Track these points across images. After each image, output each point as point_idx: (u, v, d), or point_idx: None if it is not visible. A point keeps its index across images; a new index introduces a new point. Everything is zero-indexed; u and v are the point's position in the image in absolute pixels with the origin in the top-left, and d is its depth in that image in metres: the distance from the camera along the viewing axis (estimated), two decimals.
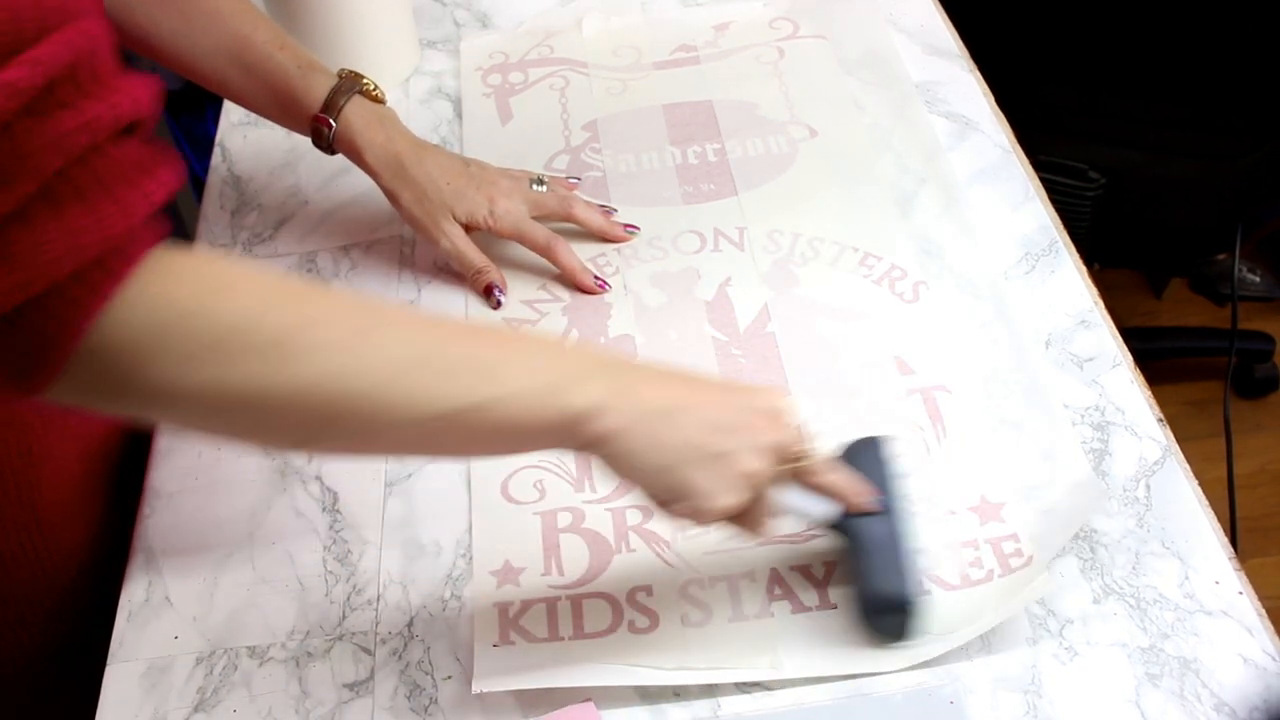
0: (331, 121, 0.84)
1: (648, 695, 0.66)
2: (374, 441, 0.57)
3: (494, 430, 0.56)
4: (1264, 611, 0.68)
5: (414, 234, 0.93)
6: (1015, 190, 0.93)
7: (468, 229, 0.87)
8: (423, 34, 1.12)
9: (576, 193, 0.92)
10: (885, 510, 0.67)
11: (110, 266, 0.48)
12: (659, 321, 0.86)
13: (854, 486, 0.65)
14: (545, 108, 1.04)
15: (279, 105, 0.85)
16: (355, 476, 0.78)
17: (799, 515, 0.66)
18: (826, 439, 0.68)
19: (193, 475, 0.79)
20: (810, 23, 1.10)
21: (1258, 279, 1.97)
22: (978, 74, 1.04)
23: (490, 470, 0.78)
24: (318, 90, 0.84)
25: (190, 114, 1.72)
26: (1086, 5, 1.55)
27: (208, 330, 0.51)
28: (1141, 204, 1.55)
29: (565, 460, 0.78)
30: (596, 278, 0.87)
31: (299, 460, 0.79)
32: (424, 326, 0.58)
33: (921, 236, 0.89)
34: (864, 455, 0.69)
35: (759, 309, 0.86)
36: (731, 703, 0.66)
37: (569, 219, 0.90)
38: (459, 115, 1.04)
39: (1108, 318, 0.84)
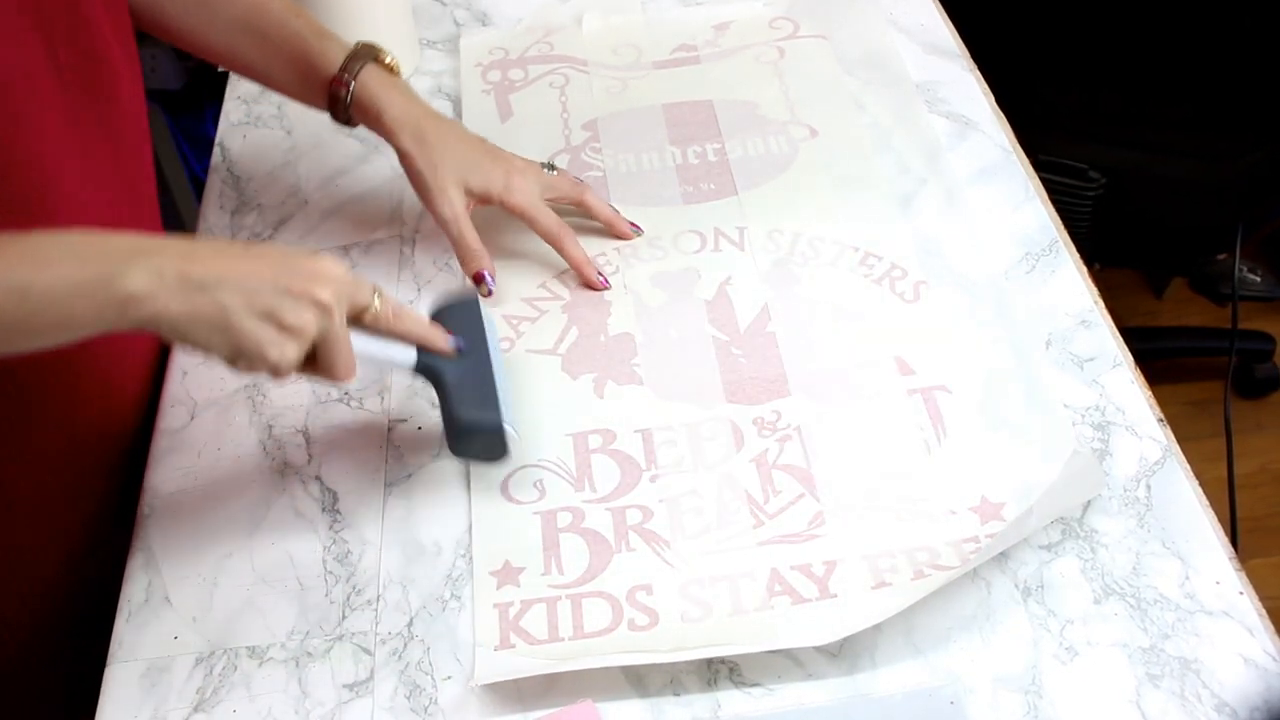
0: (350, 84, 0.83)
1: (648, 694, 0.66)
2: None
3: (54, 328, 0.61)
4: (1264, 612, 0.68)
5: (414, 234, 0.93)
6: (1015, 190, 0.93)
7: (482, 202, 0.87)
8: (422, 33, 1.12)
9: None
10: (467, 351, 0.74)
11: None
12: (659, 321, 0.86)
13: (428, 332, 0.73)
14: (545, 106, 1.04)
15: (296, 72, 0.85)
16: (355, 476, 0.78)
17: (383, 360, 0.72)
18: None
19: (192, 475, 0.79)
20: (810, 22, 1.10)
21: (1258, 279, 1.97)
22: (978, 74, 1.04)
23: (490, 470, 0.78)
24: (334, 55, 0.84)
25: (190, 114, 1.72)
26: (1087, 5, 1.55)
27: None
28: (1142, 204, 1.55)
29: (565, 460, 0.78)
30: (599, 274, 0.88)
31: (299, 460, 0.79)
32: None
33: (922, 236, 0.89)
34: (454, 311, 0.77)
35: (759, 308, 0.86)
36: (731, 703, 0.66)
37: (580, 204, 0.90)
38: (459, 114, 1.03)
39: (1108, 317, 0.84)
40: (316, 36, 0.85)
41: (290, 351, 0.65)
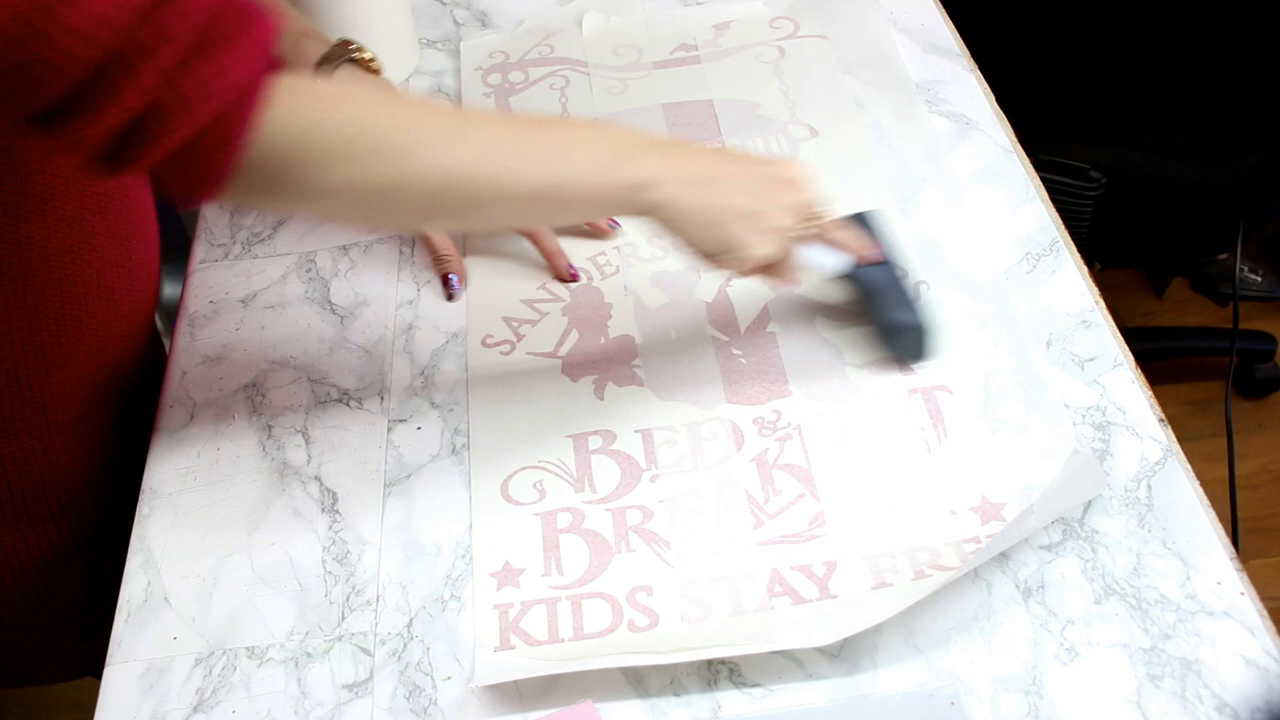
0: None
1: (648, 695, 0.66)
2: (478, 217, 0.68)
3: (571, 200, 0.68)
4: (1265, 612, 0.68)
5: (413, 236, 0.93)
6: (1016, 190, 0.93)
7: None
8: (422, 33, 1.12)
9: None
10: (886, 261, 0.80)
11: (253, 95, 0.57)
12: (659, 321, 0.86)
13: (861, 241, 0.79)
14: (545, 107, 1.03)
15: None
16: (355, 476, 0.78)
17: (818, 264, 0.77)
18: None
19: (192, 475, 0.79)
20: (811, 22, 1.10)
21: (1259, 279, 1.96)
22: (978, 73, 1.03)
23: (490, 471, 0.77)
24: (312, 54, 0.84)
25: None
26: (1087, 5, 1.55)
27: (329, 138, 0.61)
28: (1143, 204, 1.54)
29: (565, 461, 0.78)
30: (570, 266, 0.89)
31: (298, 460, 0.79)
32: (505, 122, 0.71)
33: (922, 236, 0.89)
34: (863, 223, 0.82)
35: (759, 309, 0.86)
36: (731, 703, 0.66)
37: None
38: None
39: (1109, 318, 0.84)
40: (294, 37, 0.84)
41: (765, 250, 0.71)
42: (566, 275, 0.89)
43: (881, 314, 0.80)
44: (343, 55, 0.85)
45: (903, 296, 0.80)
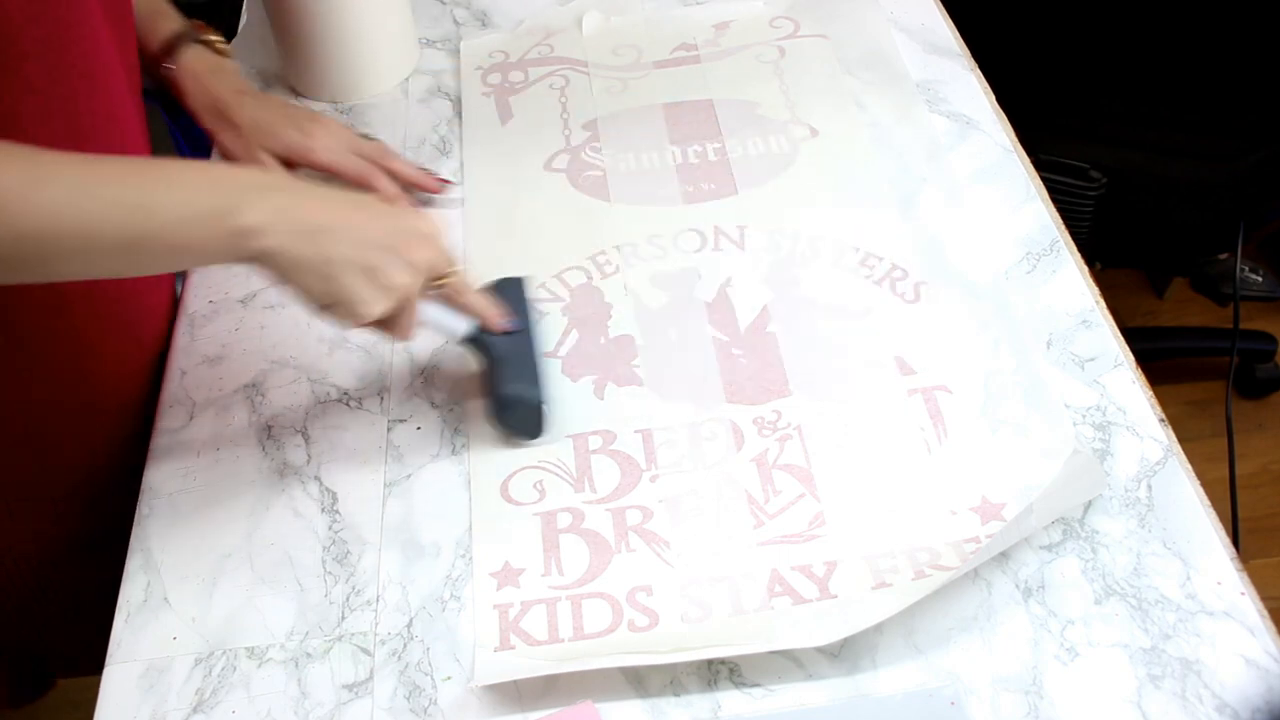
0: (169, 67, 0.86)
1: (648, 695, 0.66)
2: (66, 269, 0.63)
3: (169, 249, 0.63)
4: (1266, 612, 0.68)
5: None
6: (1016, 190, 0.93)
7: (290, 164, 0.90)
8: (422, 33, 1.12)
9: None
10: (517, 331, 0.78)
11: None
12: (659, 321, 0.86)
13: (489, 308, 0.76)
14: (545, 107, 1.03)
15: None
16: (355, 476, 0.78)
17: (439, 328, 0.76)
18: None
19: (191, 475, 0.79)
20: (811, 22, 1.10)
21: (1260, 279, 1.96)
22: (978, 73, 1.03)
23: (490, 471, 0.77)
24: (163, 34, 0.86)
25: (189, 114, 1.71)
26: (1087, 5, 1.55)
27: None
28: (1143, 203, 1.54)
29: (565, 461, 0.78)
30: (437, 179, 0.93)
31: (298, 460, 0.79)
32: (93, 167, 0.62)
33: (922, 236, 0.89)
34: (505, 289, 0.80)
35: (759, 309, 0.86)
36: (731, 703, 0.66)
37: (384, 167, 0.93)
38: (459, 114, 1.03)
39: (1109, 317, 0.84)
40: (149, 12, 0.85)
41: (379, 308, 0.67)
42: (435, 186, 0.92)
43: (496, 385, 0.77)
44: (192, 37, 0.86)
45: (525, 370, 0.78)
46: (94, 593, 0.87)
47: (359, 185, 0.90)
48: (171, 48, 0.86)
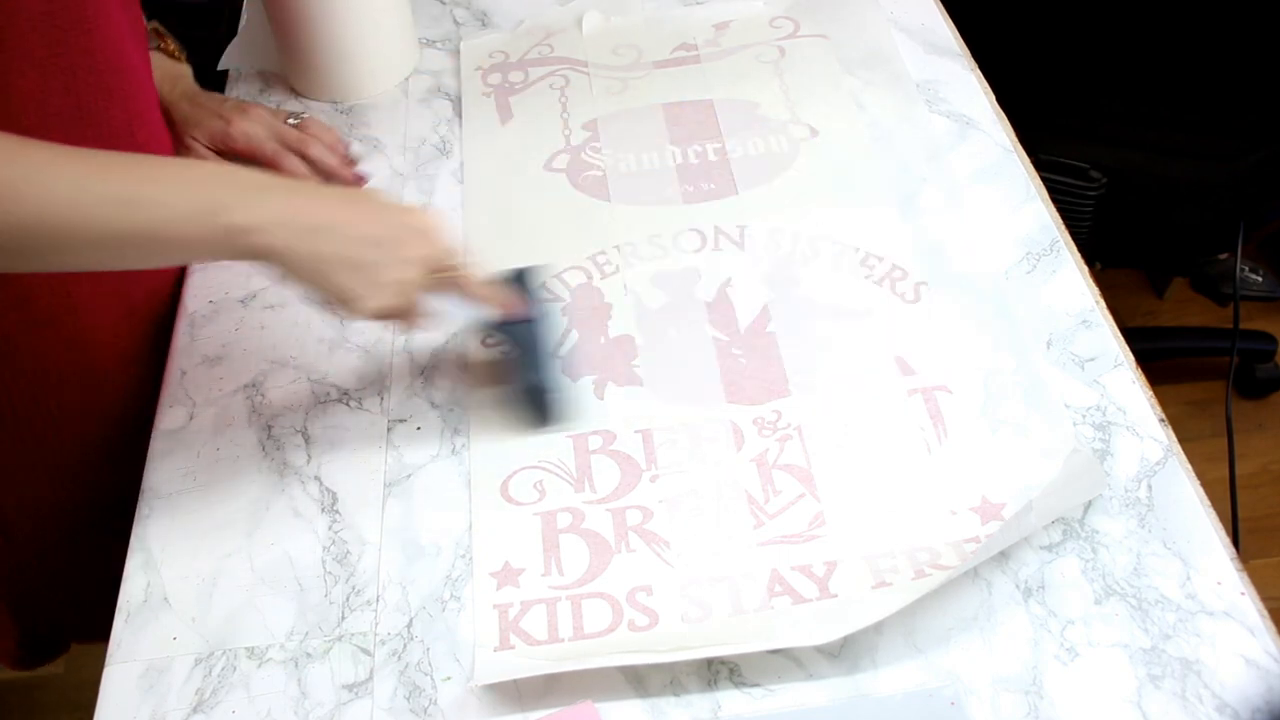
0: None
1: (648, 695, 0.66)
2: (60, 261, 0.65)
3: (164, 244, 0.63)
4: (1266, 612, 0.68)
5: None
6: (1016, 190, 0.93)
7: (218, 151, 0.93)
8: (422, 33, 1.12)
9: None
10: (532, 319, 0.79)
11: None
12: (659, 322, 0.86)
13: (502, 297, 0.77)
14: (545, 107, 1.03)
15: None
16: (355, 476, 0.78)
17: (450, 316, 0.76)
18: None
19: (191, 475, 0.79)
20: (811, 22, 1.10)
21: (1260, 279, 1.96)
22: (978, 73, 1.03)
23: (490, 471, 0.77)
24: None
25: None
26: (1087, 5, 1.55)
27: None
28: (1143, 203, 1.54)
29: (565, 461, 0.78)
30: (355, 172, 0.95)
31: (298, 460, 0.79)
32: (91, 162, 0.63)
33: (922, 236, 0.89)
34: (518, 279, 0.81)
35: (759, 309, 0.86)
36: (731, 703, 0.66)
37: (304, 155, 0.95)
38: (458, 114, 1.03)
39: (1109, 317, 0.84)
40: None
41: (376, 303, 0.68)
42: (349, 176, 0.94)
43: (516, 375, 0.79)
44: (151, 43, 0.87)
45: (538, 357, 0.78)
46: (93, 559, 0.88)
47: (271, 167, 0.92)
48: None
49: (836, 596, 0.69)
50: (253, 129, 0.93)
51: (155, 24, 0.92)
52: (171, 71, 0.93)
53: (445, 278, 0.72)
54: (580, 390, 0.81)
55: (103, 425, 0.87)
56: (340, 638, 0.70)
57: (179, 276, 0.91)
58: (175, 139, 0.92)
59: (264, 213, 0.64)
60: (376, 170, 0.99)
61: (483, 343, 0.84)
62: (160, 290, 0.89)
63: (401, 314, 0.71)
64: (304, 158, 0.95)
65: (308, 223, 0.66)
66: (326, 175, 0.95)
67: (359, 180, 0.96)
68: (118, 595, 0.73)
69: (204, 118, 0.93)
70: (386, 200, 0.71)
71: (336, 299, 0.68)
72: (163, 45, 0.91)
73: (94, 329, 0.83)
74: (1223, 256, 1.90)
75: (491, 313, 0.77)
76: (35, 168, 0.60)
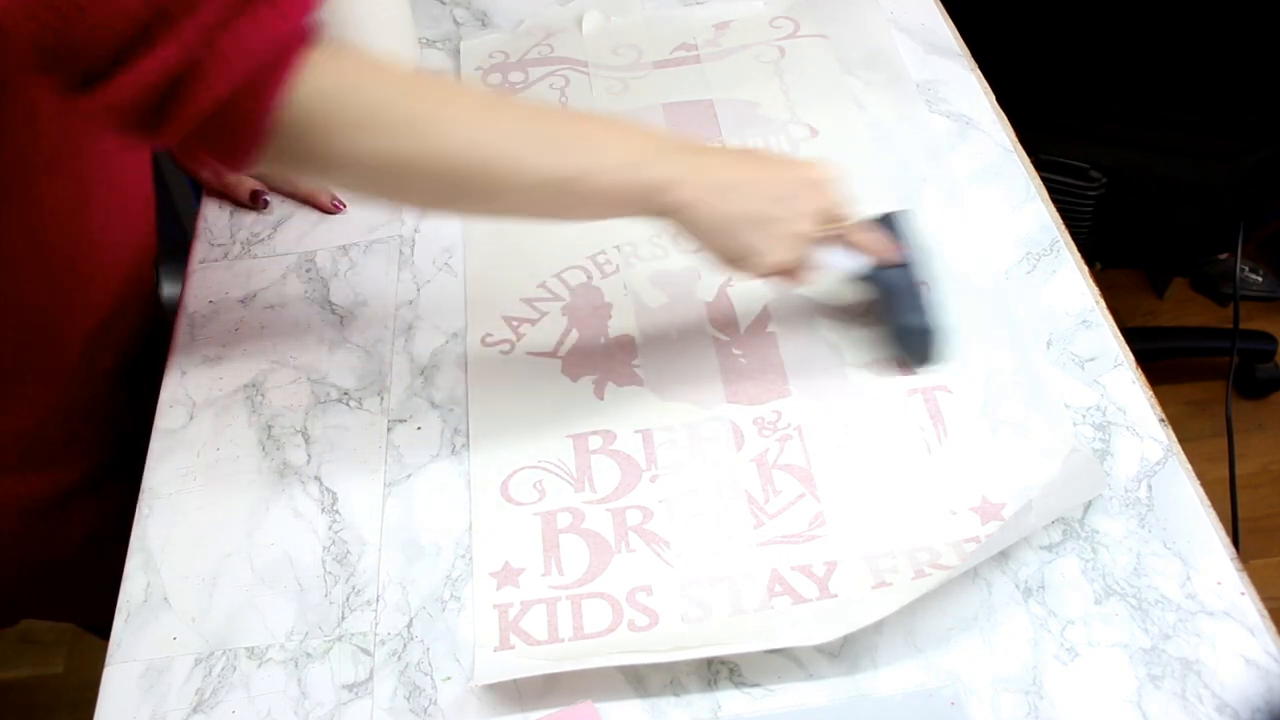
0: None
1: (648, 695, 0.66)
2: (498, 202, 0.68)
3: (590, 195, 0.67)
4: (1266, 612, 0.68)
5: (414, 234, 0.93)
6: (1016, 190, 0.93)
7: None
8: (422, 33, 1.12)
9: None
10: (907, 263, 0.80)
11: (289, 58, 0.58)
12: (659, 321, 0.86)
13: (882, 243, 0.79)
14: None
15: None
16: (355, 476, 0.78)
17: (836, 266, 0.78)
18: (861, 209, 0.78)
19: (192, 475, 0.79)
20: (811, 22, 1.10)
21: (1260, 279, 1.96)
22: (978, 73, 1.03)
23: (490, 471, 0.77)
24: None
25: None
26: (1087, 5, 1.55)
27: (361, 107, 0.61)
28: (1143, 203, 1.54)
29: (565, 461, 0.78)
30: (334, 200, 0.95)
31: (298, 460, 0.79)
32: (534, 110, 0.71)
33: (922, 236, 0.89)
34: (892, 223, 0.82)
35: (759, 309, 0.86)
36: (731, 703, 0.66)
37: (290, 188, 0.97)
38: None
39: (1109, 317, 0.84)
40: None
41: (778, 257, 0.71)
42: (331, 208, 0.95)
43: (893, 315, 0.81)
44: None
45: (916, 299, 0.80)
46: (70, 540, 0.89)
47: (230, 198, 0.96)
48: None
49: (836, 596, 0.69)
50: None
51: None
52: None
53: (833, 229, 0.74)
54: (578, 392, 0.81)
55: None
56: (340, 638, 0.70)
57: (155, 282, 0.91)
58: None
59: (683, 170, 0.68)
60: None
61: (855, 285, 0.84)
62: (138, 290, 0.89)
63: (795, 268, 0.73)
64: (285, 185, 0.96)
65: (717, 180, 0.69)
66: (306, 200, 0.96)
67: (336, 208, 0.96)
68: (118, 595, 0.73)
69: None
70: (779, 156, 0.74)
71: (738, 254, 0.71)
72: None
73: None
74: (1223, 256, 1.90)
75: (869, 260, 0.78)
76: (491, 109, 0.67)
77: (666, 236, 0.91)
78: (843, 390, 0.80)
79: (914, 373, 0.81)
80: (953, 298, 0.85)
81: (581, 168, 0.66)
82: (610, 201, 0.69)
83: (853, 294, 0.84)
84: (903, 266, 0.80)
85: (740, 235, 0.70)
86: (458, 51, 1.10)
